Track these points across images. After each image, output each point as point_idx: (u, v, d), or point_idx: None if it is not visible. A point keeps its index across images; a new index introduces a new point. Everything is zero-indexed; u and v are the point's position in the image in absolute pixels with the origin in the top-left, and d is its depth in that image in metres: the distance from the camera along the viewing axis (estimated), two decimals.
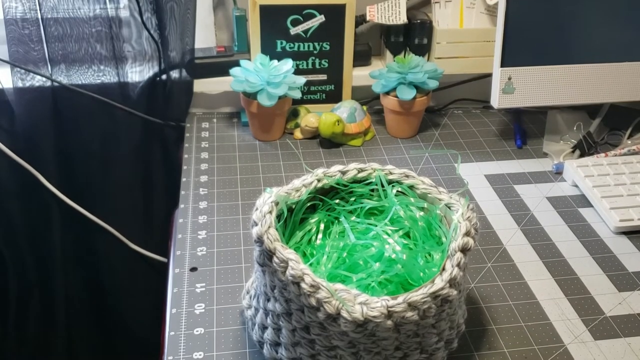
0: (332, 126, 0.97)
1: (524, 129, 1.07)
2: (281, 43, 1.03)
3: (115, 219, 1.15)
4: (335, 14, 1.01)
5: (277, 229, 0.55)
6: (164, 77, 1.04)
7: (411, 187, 0.64)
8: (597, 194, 0.87)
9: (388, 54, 1.09)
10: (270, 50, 1.02)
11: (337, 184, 0.64)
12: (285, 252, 0.53)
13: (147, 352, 1.25)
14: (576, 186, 0.92)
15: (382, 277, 0.60)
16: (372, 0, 1.05)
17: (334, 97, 1.09)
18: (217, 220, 0.83)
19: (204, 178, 0.92)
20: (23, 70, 0.97)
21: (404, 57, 1.04)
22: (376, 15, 1.05)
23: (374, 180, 0.64)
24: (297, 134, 1.03)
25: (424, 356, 0.56)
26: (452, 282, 0.52)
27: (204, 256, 0.77)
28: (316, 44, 1.04)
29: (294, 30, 1.02)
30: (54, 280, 1.17)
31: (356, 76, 1.09)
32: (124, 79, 1.02)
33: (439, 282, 0.52)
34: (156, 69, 1.04)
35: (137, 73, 1.03)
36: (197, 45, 1.04)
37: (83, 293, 1.22)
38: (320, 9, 1.01)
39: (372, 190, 0.66)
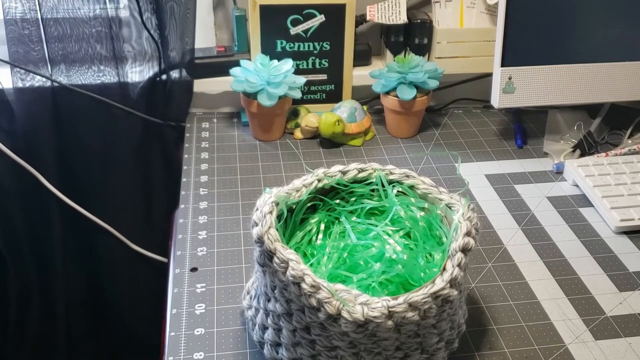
0: (332, 126, 0.97)
1: (525, 128, 1.07)
2: (281, 43, 1.03)
3: (115, 219, 1.15)
4: (336, 14, 1.01)
5: (277, 229, 0.55)
6: (164, 77, 1.04)
7: (412, 187, 0.64)
8: (598, 193, 0.86)
9: (388, 54, 1.09)
10: (270, 50, 1.02)
11: (338, 184, 0.64)
12: (286, 252, 0.53)
13: (147, 352, 1.25)
14: (577, 186, 0.92)
15: (383, 278, 0.60)
16: (372, 0, 1.05)
17: (334, 97, 1.09)
18: (218, 221, 0.83)
19: (204, 178, 0.92)
20: (23, 71, 0.97)
21: (404, 56, 1.04)
22: (376, 15, 1.04)
23: (374, 180, 0.64)
24: (298, 133, 1.03)
25: (424, 356, 0.56)
26: (452, 282, 0.52)
27: (205, 256, 0.77)
28: (316, 43, 1.04)
29: (294, 30, 1.02)
30: (54, 280, 1.17)
31: (356, 76, 1.09)
32: (124, 79, 1.02)
33: (440, 283, 0.52)
34: (156, 69, 1.03)
35: (137, 73, 1.03)
36: (197, 45, 1.04)
37: (83, 293, 1.22)
38: (320, 8, 1.00)
39: (373, 190, 0.66)
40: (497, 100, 0.95)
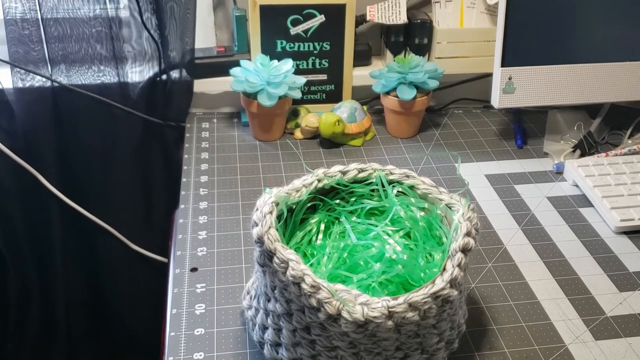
0: (332, 126, 0.97)
1: (525, 128, 1.07)
2: (281, 43, 1.03)
3: (115, 219, 1.15)
4: (336, 14, 1.01)
5: (277, 230, 0.55)
6: (164, 77, 1.04)
7: (412, 187, 0.64)
8: (598, 193, 0.86)
9: (388, 54, 1.09)
10: (270, 50, 1.02)
11: (338, 184, 0.64)
12: (286, 252, 0.53)
13: (147, 352, 1.25)
14: (577, 186, 0.92)
15: (383, 278, 0.60)
16: (372, 0, 1.05)
17: (334, 97, 1.09)
18: (218, 221, 0.83)
19: (204, 178, 0.92)
20: (23, 71, 0.96)
21: (404, 56, 1.04)
22: (376, 15, 1.04)
23: (374, 180, 0.64)
24: (298, 134, 1.03)
25: (424, 357, 0.56)
26: (452, 283, 0.52)
27: (205, 256, 0.77)
28: (316, 43, 1.04)
29: (294, 30, 1.02)
30: (54, 280, 1.17)
31: (356, 76, 1.08)
32: (124, 79, 1.02)
33: (440, 283, 0.52)
34: (156, 69, 1.03)
35: (137, 73, 1.03)
36: (197, 45, 1.04)
37: (83, 293, 1.22)
38: (321, 8, 1.00)
39: (373, 190, 0.66)
40: (497, 100, 0.95)
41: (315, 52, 1.04)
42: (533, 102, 0.96)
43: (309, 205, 0.65)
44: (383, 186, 0.64)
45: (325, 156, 0.99)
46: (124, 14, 0.98)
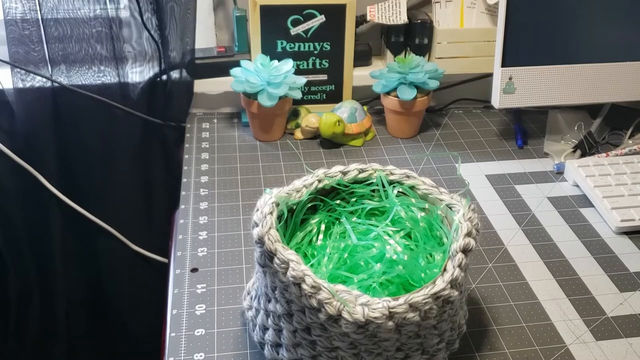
0: (332, 126, 0.97)
1: (525, 128, 1.07)
2: (281, 43, 1.03)
3: (115, 219, 1.15)
4: (336, 14, 1.01)
5: (277, 230, 0.55)
6: (164, 77, 1.04)
7: (412, 187, 0.63)
8: (599, 194, 0.86)
9: (388, 54, 1.09)
10: (270, 51, 1.02)
11: (338, 184, 0.64)
12: (286, 253, 0.53)
13: (147, 353, 1.25)
14: (577, 186, 0.92)
15: (383, 278, 0.60)
16: (372, 0, 1.05)
17: (335, 97, 1.09)
18: (218, 221, 0.83)
19: (204, 179, 0.92)
20: (23, 71, 0.96)
21: (405, 57, 1.04)
22: (376, 15, 1.04)
23: (374, 180, 0.64)
24: (298, 134, 1.03)
25: (425, 357, 0.56)
26: (453, 283, 0.52)
27: (205, 257, 0.77)
28: (316, 44, 1.04)
29: (294, 31, 1.02)
30: (54, 280, 1.17)
31: (357, 76, 1.08)
32: (124, 80, 1.02)
33: (440, 283, 0.52)
34: (156, 69, 1.03)
35: (138, 73, 1.03)
36: (197, 46, 1.04)
37: (83, 293, 1.22)
38: (321, 9, 1.00)
39: (373, 190, 0.66)
40: (497, 100, 0.95)
41: (315, 52, 1.04)
42: (533, 102, 0.96)
43: (309, 205, 0.65)
44: (383, 186, 0.64)
45: (325, 156, 0.99)
46: (124, 14, 0.98)
